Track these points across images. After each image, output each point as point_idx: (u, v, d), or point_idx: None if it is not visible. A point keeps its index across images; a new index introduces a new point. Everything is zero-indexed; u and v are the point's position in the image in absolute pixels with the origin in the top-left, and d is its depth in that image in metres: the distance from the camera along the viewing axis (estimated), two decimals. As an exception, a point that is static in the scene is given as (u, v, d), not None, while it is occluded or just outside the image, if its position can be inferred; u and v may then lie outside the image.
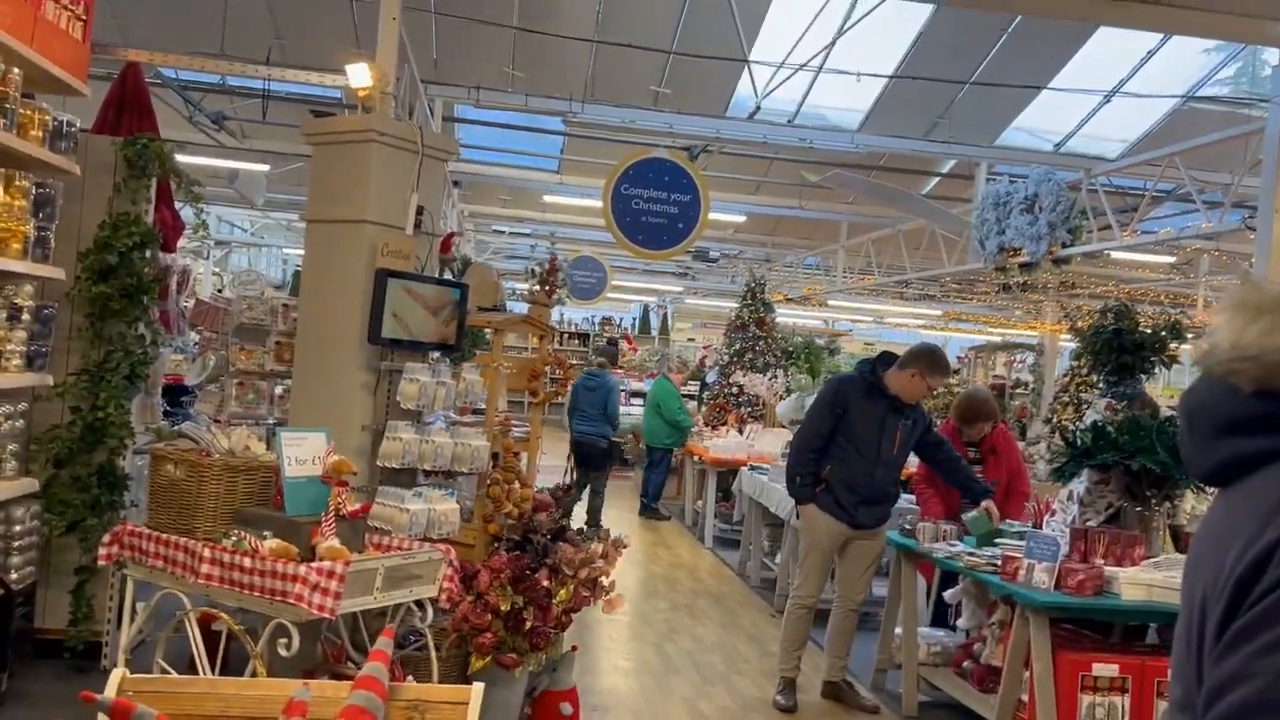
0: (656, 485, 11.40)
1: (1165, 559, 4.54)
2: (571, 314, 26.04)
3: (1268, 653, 0.84)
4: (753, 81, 9.12)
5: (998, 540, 5.11)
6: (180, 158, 5.16)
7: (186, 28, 8.48)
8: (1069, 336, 14.95)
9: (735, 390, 11.83)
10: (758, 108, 9.24)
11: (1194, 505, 5.36)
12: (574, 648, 4.81)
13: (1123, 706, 4.29)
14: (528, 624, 4.38)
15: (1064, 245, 8.65)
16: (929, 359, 5.35)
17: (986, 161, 9.81)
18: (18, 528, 4.40)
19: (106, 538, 3.91)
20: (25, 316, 4.29)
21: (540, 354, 5.61)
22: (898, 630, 5.54)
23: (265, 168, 11.62)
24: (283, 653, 3.31)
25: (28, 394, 4.54)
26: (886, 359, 5.42)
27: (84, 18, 4.68)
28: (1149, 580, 4.37)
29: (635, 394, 17.17)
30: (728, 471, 9.79)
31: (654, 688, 5.47)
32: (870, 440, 5.25)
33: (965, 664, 5.21)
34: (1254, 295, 0.98)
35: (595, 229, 14.03)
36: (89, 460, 4.74)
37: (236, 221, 19.96)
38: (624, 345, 21.22)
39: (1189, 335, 8.04)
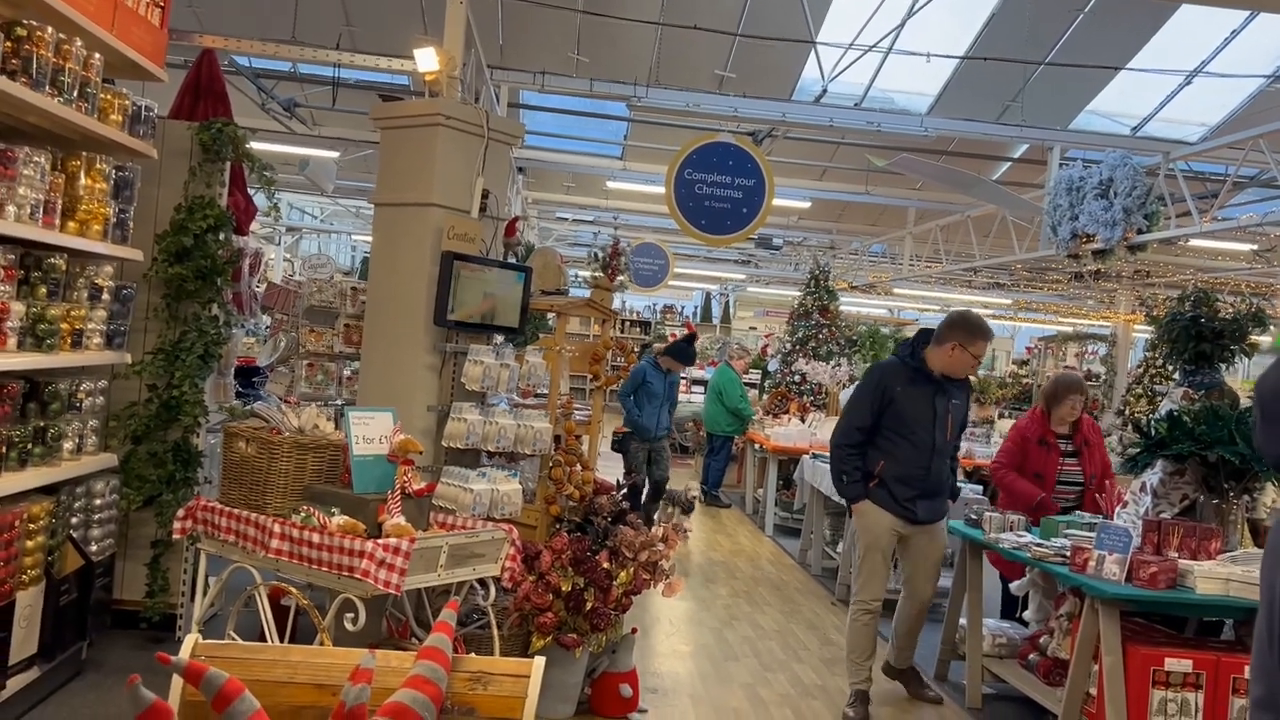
0: (717, 473, 11.38)
1: (1243, 553, 4.40)
2: (633, 301, 26.10)
3: None
4: (819, 64, 9.02)
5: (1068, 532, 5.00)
6: (253, 144, 5.27)
7: (260, 14, 8.63)
8: (1144, 326, 14.56)
9: (797, 378, 11.75)
10: (824, 90, 9.14)
11: (1275, 499, 5.17)
12: (634, 630, 4.83)
13: (1196, 702, 4.18)
14: (588, 605, 4.40)
15: (1140, 232, 8.41)
16: (964, 326, 4.92)
17: (1060, 145, 9.57)
18: (98, 501, 4.55)
19: (181, 512, 4.03)
20: (105, 296, 4.42)
21: (603, 338, 5.62)
22: (962, 621, 5.46)
23: (335, 154, 11.81)
24: (349, 627, 3.37)
25: (107, 371, 4.68)
26: (925, 337, 5.01)
27: (162, 4, 4.79)
28: (1226, 574, 4.24)
29: (696, 381, 17.16)
30: (789, 460, 9.73)
31: (713, 673, 5.47)
32: (923, 429, 4.87)
33: (1031, 656, 5.11)
34: None
35: (658, 215, 14.03)
36: (165, 437, 4.88)
37: (307, 208, 20.35)
38: (684, 333, 21.21)
39: (1272, 324, 7.77)
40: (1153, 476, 4.96)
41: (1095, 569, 4.38)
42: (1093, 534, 4.58)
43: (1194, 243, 11.91)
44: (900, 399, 4.87)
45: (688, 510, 8.63)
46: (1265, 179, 9.67)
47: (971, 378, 5.67)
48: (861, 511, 4.97)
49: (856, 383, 5.23)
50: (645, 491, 9.00)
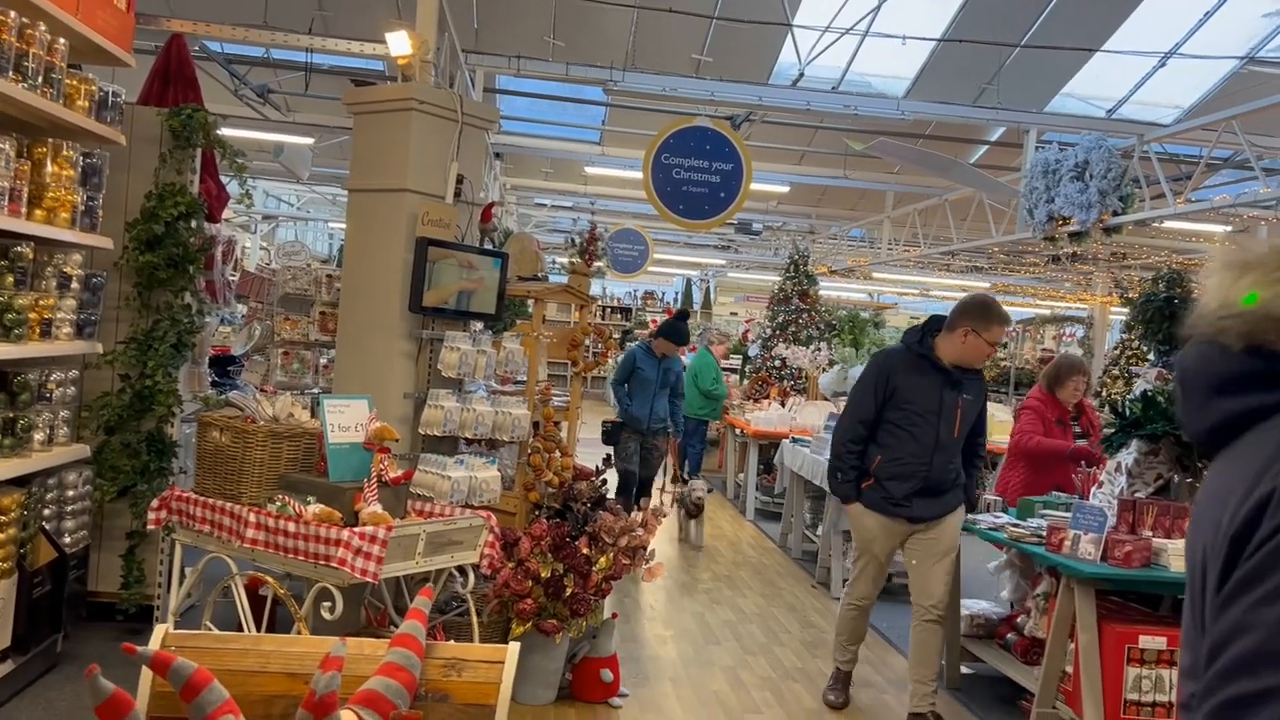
0: (695, 457, 11.40)
1: (1217, 531, 4.44)
2: (614, 288, 26.06)
3: (1266, 603, 0.82)
4: (796, 47, 9.00)
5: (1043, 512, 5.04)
6: (225, 131, 5.21)
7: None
8: (1120, 308, 14.66)
9: (777, 363, 11.77)
10: (801, 74, 9.11)
11: (1247, 477, 5.22)
12: (614, 615, 4.84)
13: (1170, 679, 4.22)
14: (568, 591, 4.40)
15: (1115, 214, 8.45)
16: (978, 311, 4.55)
17: (1036, 128, 9.60)
18: (70, 493, 4.50)
19: (155, 503, 3.99)
20: (74, 285, 4.37)
21: (581, 324, 5.61)
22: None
23: (309, 141, 11.70)
24: (326, 616, 3.35)
25: (78, 361, 4.63)
26: (936, 324, 4.67)
27: (128, -11, 4.72)
28: (1199, 552, 4.28)
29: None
30: (769, 444, 9.75)
31: (694, 656, 5.49)
32: (927, 422, 4.54)
33: (1008, 636, 5.15)
34: (1239, 254, 0.98)
35: (637, 201, 13.99)
36: (138, 427, 4.84)
37: (284, 196, 20.17)
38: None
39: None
40: (1127, 456, 5.00)
41: (1071, 549, 4.41)
42: (1069, 514, 4.61)
43: (1168, 224, 11.98)
44: (904, 389, 4.56)
45: (694, 514, 8.27)
46: (1238, 161, 9.74)
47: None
48: (852, 514, 4.78)
49: (857, 364, 4.86)
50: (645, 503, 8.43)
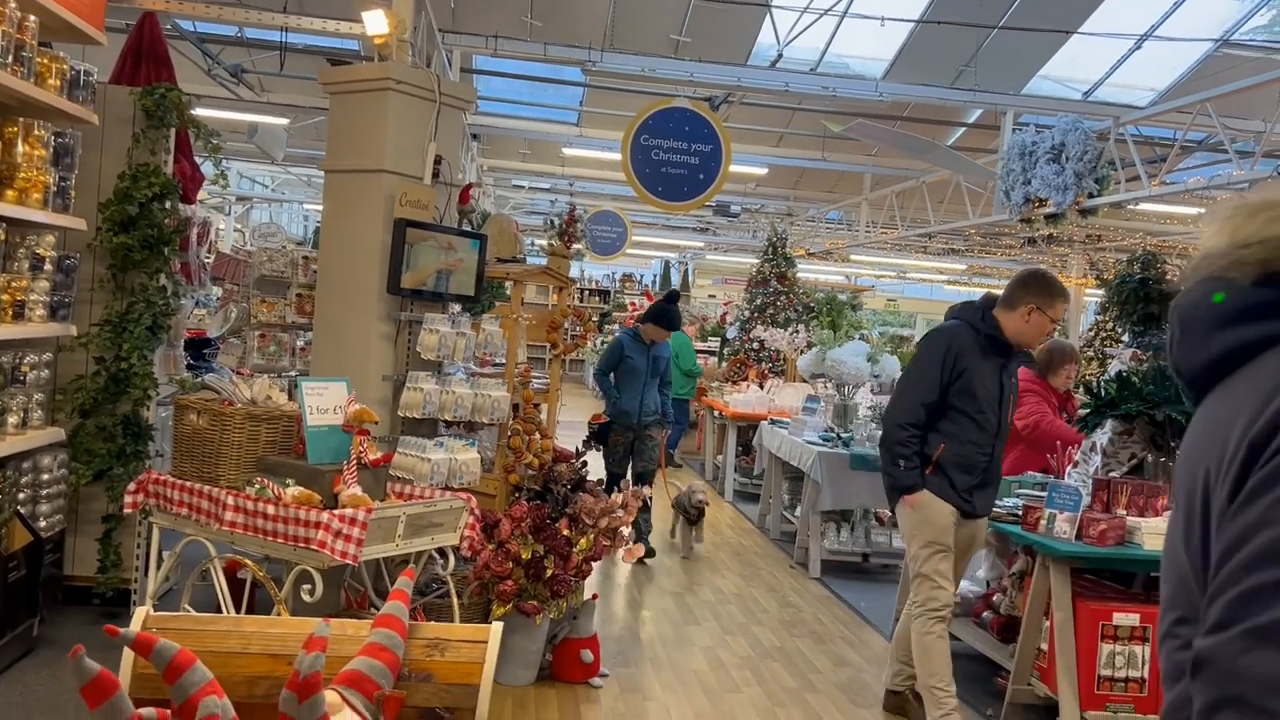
0: (675, 436, 11.47)
1: (1189, 509, 4.50)
2: (592, 270, 26.01)
3: None
4: (775, 28, 8.98)
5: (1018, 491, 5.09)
6: (199, 111, 5.14)
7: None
8: (1095, 290, 14.78)
9: (756, 345, 11.80)
10: (780, 55, 9.11)
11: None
12: (594, 596, 4.85)
13: (1143, 655, 4.28)
14: (548, 572, 4.41)
15: (1090, 196, 8.51)
16: (1042, 287, 4.18)
17: (1013, 110, 9.64)
18: (45, 476, 4.47)
19: (132, 486, 3.97)
20: (47, 267, 4.31)
21: (560, 306, 5.60)
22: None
23: (284, 121, 11.58)
24: (306, 599, 3.34)
25: (52, 344, 4.58)
26: (990, 302, 4.30)
27: (99, -35, 4.65)
28: (1172, 530, 4.33)
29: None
30: (748, 426, 9.80)
31: (673, 636, 5.52)
32: (990, 408, 4.18)
33: (984, 614, 5.21)
34: (1245, 201, 1.02)
35: (616, 183, 13.95)
36: (114, 410, 4.79)
37: (258, 178, 19.97)
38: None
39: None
40: (1102, 436, 5.05)
41: (1046, 528, 4.46)
42: (1044, 494, 4.66)
43: (1143, 206, 12.08)
44: (972, 372, 4.16)
45: (695, 520, 7.34)
46: (1212, 143, 9.82)
47: None
48: (920, 504, 4.20)
49: (921, 352, 4.32)
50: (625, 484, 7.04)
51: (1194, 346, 1.01)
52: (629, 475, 7.22)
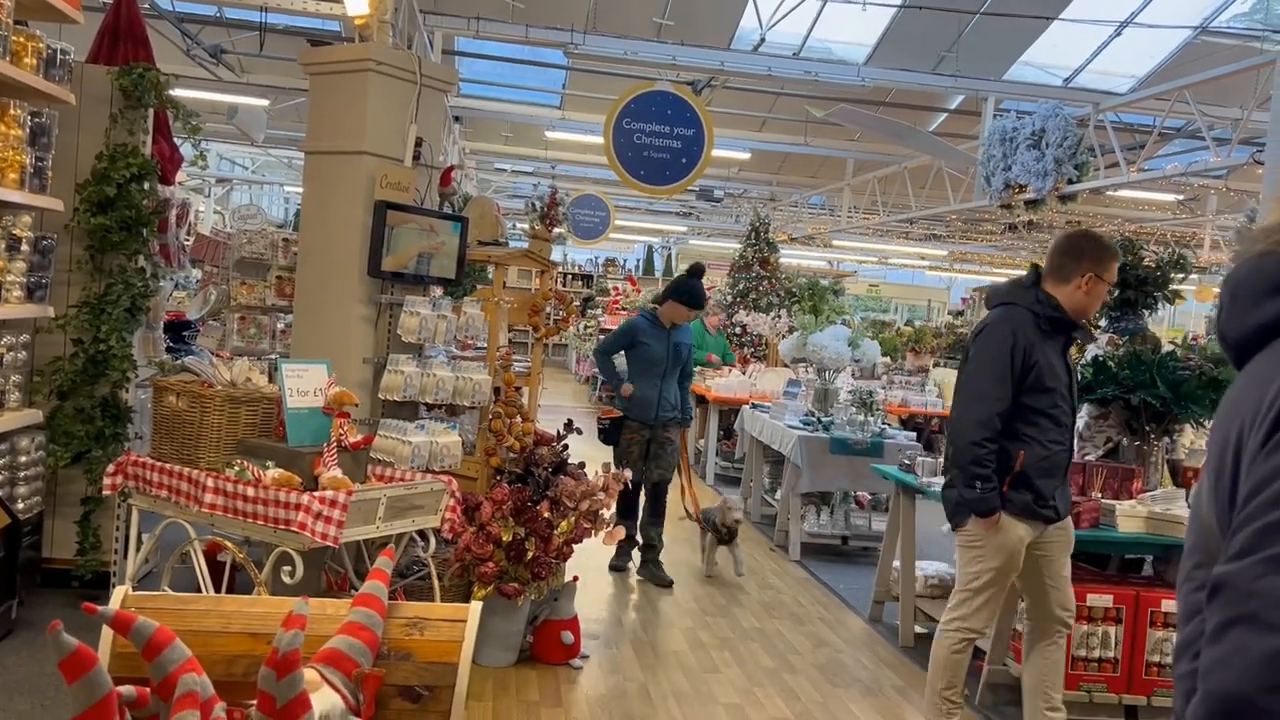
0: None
1: (1163, 492, 4.56)
2: (575, 254, 25.98)
3: None
4: (758, 12, 8.98)
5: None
6: (178, 91, 5.10)
7: (181, -43, 8.33)
8: (1074, 276, 14.81)
9: (738, 330, 11.84)
10: (762, 39, 9.10)
11: (1193, 440, 5.36)
12: (575, 579, 4.88)
13: (1116, 635, 4.35)
14: (529, 554, 4.43)
15: (1070, 182, 8.57)
16: (1096, 251, 3.76)
17: (994, 96, 9.68)
18: (23, 458, 4.44)
19: (111, 468, 3.96)
20: (24, 248, 4.28)
21: (541, 289, 5.60)
22: (896, 563, 5.60)
23: (264, 103, 11.50)
24: (286, 580, 3.35)
25: (29, 325, 4.55)
26: (1035, 278, 3.84)
27: (75, -57, 4.59)
28: (1146, 513, 4.40)
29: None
30: (730, 410, 9.84)
31: (654, 618, 5.55)
32: (1064, 400, 3.74)
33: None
34: None
35: (598, 167, 13.93)
36: (92, 392, 4.77)
37: (238, 159, 19.82)
38: (627, 286, 21.16)
39: (1193, 271, 8.01)
40: (1078, 420, 5.11)
41: (1022, 510, 4.51)
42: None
43: (1122, 193, 12.17)
44: (1042, 364, 3.68)
45: (727, 540, 6.18)
46: (1190, 130, 9.89)
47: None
48: (992, 527, 3.73)
49: (980, 350, 3.78)
50: (642, 498, 6.45)
51: (1243, 312, 1.05)
52: (644, 488, 6.36)
